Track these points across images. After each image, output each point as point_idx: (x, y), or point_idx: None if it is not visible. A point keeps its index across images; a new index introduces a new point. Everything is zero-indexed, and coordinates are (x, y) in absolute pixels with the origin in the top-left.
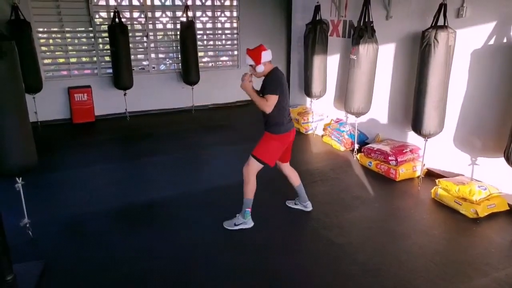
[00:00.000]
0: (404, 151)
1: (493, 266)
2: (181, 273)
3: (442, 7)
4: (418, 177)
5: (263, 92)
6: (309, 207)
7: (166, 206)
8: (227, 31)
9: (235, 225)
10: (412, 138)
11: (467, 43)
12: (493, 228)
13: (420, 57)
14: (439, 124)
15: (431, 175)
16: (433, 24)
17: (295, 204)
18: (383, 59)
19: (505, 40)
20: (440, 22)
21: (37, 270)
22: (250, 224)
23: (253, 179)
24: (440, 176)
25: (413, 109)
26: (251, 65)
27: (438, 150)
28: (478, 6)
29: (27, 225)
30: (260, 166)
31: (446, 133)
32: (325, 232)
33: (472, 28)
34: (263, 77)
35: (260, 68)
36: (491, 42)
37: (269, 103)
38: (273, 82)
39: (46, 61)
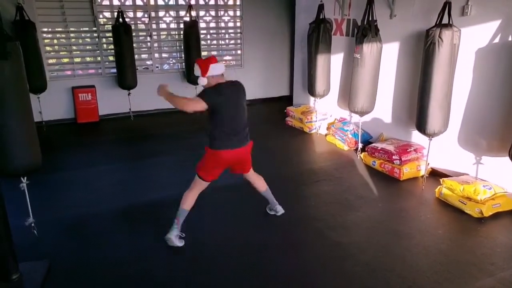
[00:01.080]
0: (408, 150)
1: (499, 266)
2: (183, 273)
3: (447, 5)
4: (422, 176)
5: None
6: (280, 210)
7: (169, 206)
8: (230, 31)
9: (170, 238)
10: (416, 137)
11: (471, 41)
12: (498, 227)
13: (424, 56)
14: (443, 123)
15: (436, 175)
16: (437, 23)
17: (270, 210)
18: (387, 58)
19: (510, 39)
20: (445, 20)
21: (43, 269)
22: (178, 242)
23: (190, 196)
24: (444, 175)
25: (417, 108)
26: (197, 76)
27: (443, 149)
28: (482, 4)
29: (32, 225)
30: (200, 181)
31: (450, 132)
32: (329, 232)
33: (477, 26)
34: None
35: (202, 81)
36: (496, 40)
37: (190, 102)
38: (203, 93)
39: (50, 61)
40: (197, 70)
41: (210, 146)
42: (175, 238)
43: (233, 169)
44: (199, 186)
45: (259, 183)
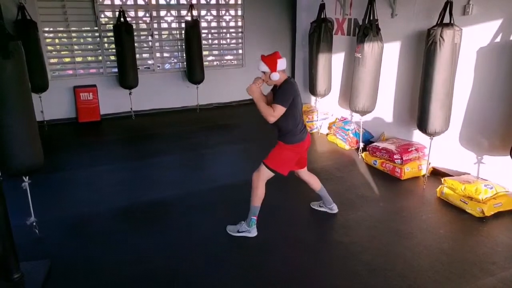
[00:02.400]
0: (409, 150)
1: (500, 266)
2: (185, 273)
3: (448, 4)
4: (424, 175)
5: (274, 100)
6: (334, 209)
7: (171, 206)
8: (231, 30)
9: (238, 231)
10: (417, 136)
11: (473, 41)
12: (500, 227)
13: (426, 55)
14: (444, 123)
15: (437, 174)
16: (438, 22)
17: (320, 206)
18: (388, 58)
19: (511, 38)
20: (446, 20)
21: (44, 268)
22: (253, 233)
23: (262, 187)
24: (445, 174)
25: (418, 108)
26: (264, 72)
27: (444, 149)
28: (484, 3)
29: (34, 224)
30: (271, 174)
31: (451, 132)
32: (330, 231)
33: (478, 25)
34: (272, 86)
35: (275, 76)
36: (498, 39)
37: (275, 114)
38: (286, 93)
39: (52, 60)
40: (263, 66)
41: (288, 142)
42: (239, 231)
43: (297, 163)
44: (264, 180)
45: (314, 182)
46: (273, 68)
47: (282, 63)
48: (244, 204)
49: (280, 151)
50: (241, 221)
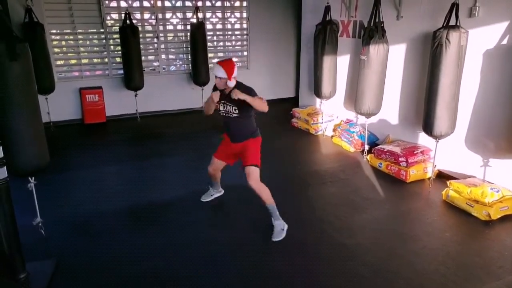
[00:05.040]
0: (415, 152)
1: (507, 270)
2: (188, 272)
3: (454, 6)
4: (429, 178)
5: (250, 95)
6: (222, 190)
7: (175, 207)
8: (237, 32)
9: (282, 230)
10: (423, 139)
11: (479, 43)
12: (506, 230)
13: (432, 57)
14: (450, 125)
15: (442, 177)
16: (444, 24)
17: (211, 195)
18: (394, 60)
19: None
20: (452, 22)
21: (50, 268)
22: (286, 225)
23: (263, 186)
24: (451, 177)
25: (424, 110)
26: (220, 78)
27: (450, 151)
28: (490, 5)
29: (40, 224)
30: (259, 170)
31: (457, 134)
32: (335, 233)
33: (485, 28)
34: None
35: (232, 83)
36: (504, 42)
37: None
38: (249, 87)
39: (58, 62)
40: (221, 72)
41: (259, 134)
42: (282, 229)
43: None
44: (258, 175)
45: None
46: (230, 75)
47: (236, 71)
48: (248, 205)
49: (256, 145)
50: (272, 225)
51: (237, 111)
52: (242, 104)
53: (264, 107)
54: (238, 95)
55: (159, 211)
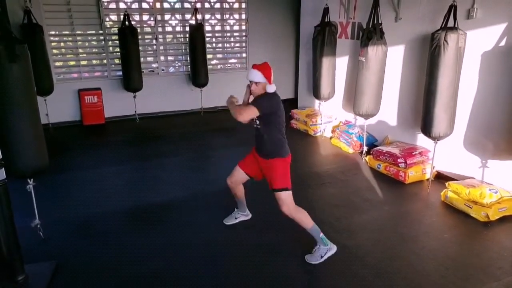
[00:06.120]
0: (413, 154)
1: (506, 271)
2: (190, 273)
3: (452, 8)
4: (428, 179)
5: (252, 102)
6: (249, 214)
7: (175, 208)
8: (235, 34)
9: (321, 256)
10: (421, 140)
11: (477, 44)
12: (505, 231)
13: (430, 59)
14: (449, 126)
15: (441, 178)
16: (443, 26)
17: (236, 218)
18: (392, 61)
19: None
20: (450, 23)
21: (49, 270)
22: (333, 247)
23: (299, 209)
24: (450, 178)
25: (422, 111)
26: (257, 83)
27: (448, 153)
28: (488, 7)
29: (38, 226)
30: (291, 193)
31: (456, 135)
32: (335, 234)
33: (483, 29)
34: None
35: (272, 88)
36: (502, 43)
37: (245, 112)
38: (265, 100)
39: (57, 63)
40: (259, 76)
41: (286, 154)
42: (322, 256)
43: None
44: (293, 202)
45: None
46: (269, 79)
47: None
48: (249, 207)
49: (284, 166)
50: (315, 246)
51: (257, 121)
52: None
53: (233, 113)
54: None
55: (159, 212)
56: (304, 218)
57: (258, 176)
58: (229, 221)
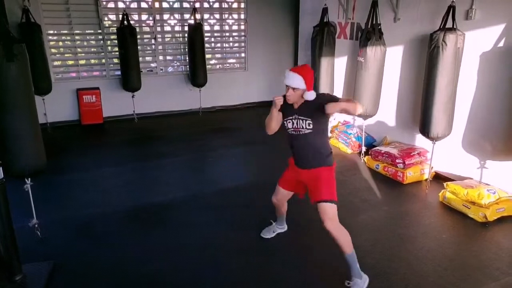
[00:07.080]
0: (411, 154)
1: (504, 271)
2: (190, 274)
3: (451, 9)
4: (426, 180)
5: (332, 101)
6: (286, 227)
7: (174, 208)
8: (234, 34)
9: None
10: (420, 140)
11: (476, 45)
12: (503, 232)
13: (428, 59)
14: (447, 127)
15: (439, 178)
16: (441, 26)
17: (274, 232)
18: (391, 62)
19: None
20: (449, 24)
21: (46, 270)
22: (366, 279)
23: (342, 228)
24: (448, 179)
25: (421, 112)
26: (294, 88)
27: (447, 153)
28: (487, 8)
29: (36, 226)
30: (336, 207)
31: (454, 136)
32: None
33: (481, 30)
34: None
35: (312, 95)
36: (501, 44)
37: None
38: (324, 94)
39: (55, 63)
40: (299, 81)
41: (332, 161)
42: (363, 283)
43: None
44: (336, 213)
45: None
46: (310, 86)
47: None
48: (248, 208)
49: (331, 175)
50: (349, 283)
51: (311, 126)
52: (318, 115)
53: (358, 108)
54: (333, 109)
55: (159, 213)
56: (347, 241)
57: (301, 191)
58: (267, 234)
